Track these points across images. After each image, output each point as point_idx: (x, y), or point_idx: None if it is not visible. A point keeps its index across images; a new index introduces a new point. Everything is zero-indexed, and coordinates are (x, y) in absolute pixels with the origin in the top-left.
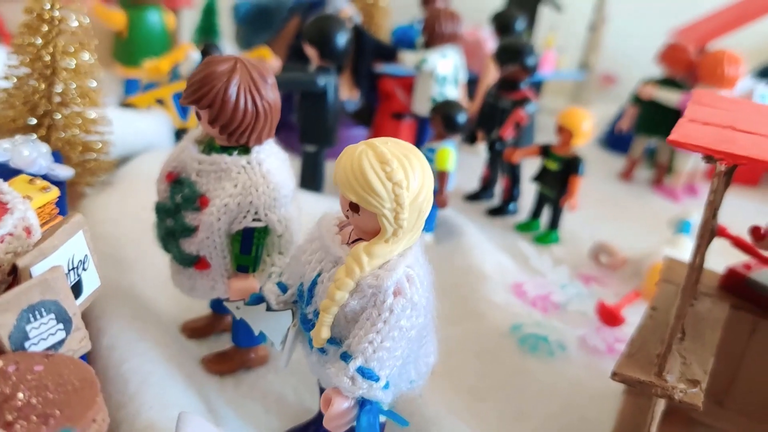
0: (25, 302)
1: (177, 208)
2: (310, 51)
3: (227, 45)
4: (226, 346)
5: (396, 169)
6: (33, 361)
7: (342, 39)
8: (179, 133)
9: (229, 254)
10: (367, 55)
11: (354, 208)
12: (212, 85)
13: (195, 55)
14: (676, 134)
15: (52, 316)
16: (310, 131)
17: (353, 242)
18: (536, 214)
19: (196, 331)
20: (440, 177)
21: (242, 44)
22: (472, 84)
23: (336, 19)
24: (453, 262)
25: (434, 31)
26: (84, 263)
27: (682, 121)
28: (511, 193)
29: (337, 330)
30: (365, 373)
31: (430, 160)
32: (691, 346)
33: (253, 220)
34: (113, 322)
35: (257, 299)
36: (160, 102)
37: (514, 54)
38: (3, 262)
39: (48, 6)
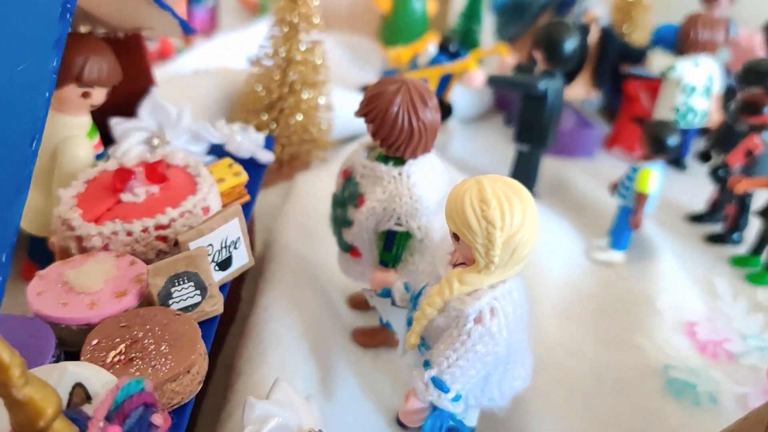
0: (173, 270)
1: (344, 201)
2: (537, 54)
3: (486, 34)
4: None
5: (493, 209)
6: (166, 316)
7: (569, 45)
8: None
9: (376, 249)
10: (611, 56)
11: (455, 236)
12: (378, 103)
13: (432, 48)
14: None
15: (192, 284)
16: (525, 131)
17: (456, 265)
18: (758, 250)
19: (358, 303)
20: (638, 198)
21: (497, 34)
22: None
23: (566, 26)
24: (629, 285)
25: (688, 38)
26: (236, 243)
27: None
28: (737, 222)
29: (428, 338)
30: (437, 383)
31: (631, 180)
32: None
33: (396, 224)
34: (276, 286)
35: (386, 293)
36: None
37: (759, 75)
38: (179, 233)
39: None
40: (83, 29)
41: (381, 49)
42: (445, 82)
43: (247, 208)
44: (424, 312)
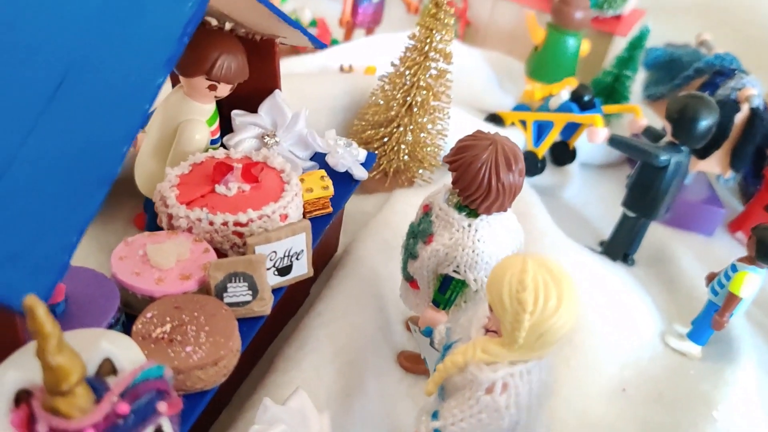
0: (232, 269)
1: (416, 234)
2: (667, 125)
3: (636, 85)
4: None
5: (528, 293)
6: (214, 307)
7: (703, 125)
8: (526, 155)
9: (432, 288)
10: (757, 138)
11: (490, 306)
12: (465, 155)
13: (565, 93)
14: None
15: (246, 284)
16: (636, 199)
17: (488, 331)
18: None
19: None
20: (728, 298)
21: (644, 90)
22: None
23: (705, 102)
24: (695, 382)
25: None
26: (299, 255)
27: None
28: None
29: (446, 389)
30: None
31: (728, 278)
32: None
33: (454, 271)
34: (337, 294)
35: (428, 332)
36: (522, 123)
37: None
38: (254, 234)
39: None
40: (228, 26)
41: (526, 79)
42: (575, 126)
43: (327, 218)
44: (446, 366)
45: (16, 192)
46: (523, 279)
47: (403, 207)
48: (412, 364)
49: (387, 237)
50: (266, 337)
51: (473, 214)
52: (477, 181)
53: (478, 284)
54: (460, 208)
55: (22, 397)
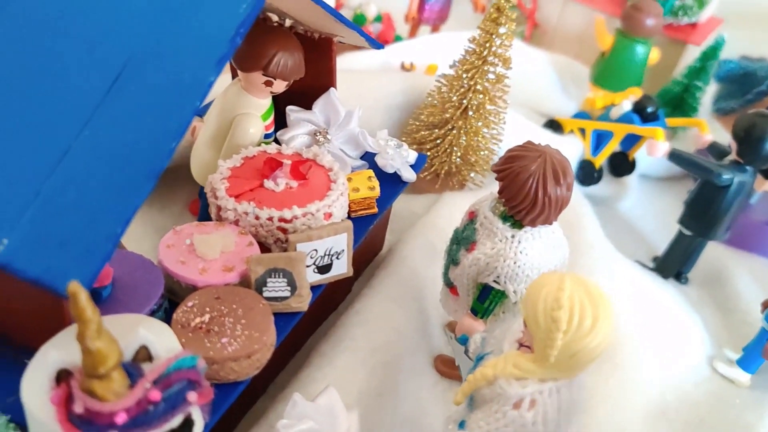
0: (272, 264)
1: (460, 240)
2: (733, 144)
3: (706, 97)
4: None
5: (563, 312)
6: (253, 301)
7: None
8: (583, 164)
9: (471, 295)
10: None
11: (525, 321)
12: (513, 165)
13: (627, 104)
14: None
15: (285, 280)
16: (693, 217)
17: (520, 346)
18: None
19: (452, 330)
20: None
21: (714, 103)
22: None
23: None
24: (740, 411)
25: None
26: (339, 255)
27: None
28: None
29: (474, 400)
30: None
31: None
32: None
33: (494, 281)
34: (376, 294)
35: (463, 340)
36: (582, 131)
37: None
38: (299, 232)
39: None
40: (288, 23)
41: (590, 86)
42: (635, 138)
43: (371, 219)
44: (475, 378)
45: (69, 181)
46: (559, 297)
47: (450, 210)
48: (449, 368)
49: (432, 239)
50: (305, 331)
51: (518, 225)
52: (523, 192)
53: (518, 296)
54: (504, 218)
55: (63, 377)
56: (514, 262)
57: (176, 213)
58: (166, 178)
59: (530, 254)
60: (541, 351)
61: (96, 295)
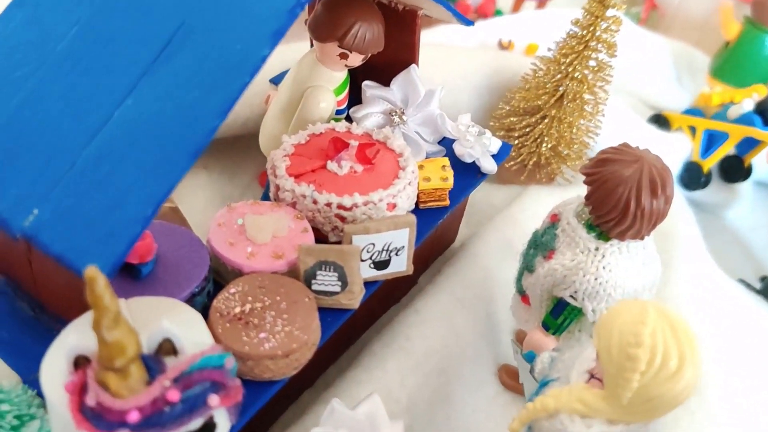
0: (323, 257)
1: (537, 245)
2: None
3: None
4: None
5: (643, 350)
6: (299, 295)
7: None
8: (689, 166)
9: (545, 308)
10: None
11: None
12: (605, 170)
13: (749, 103)
14: None
15: (336, 275)
16: None
17: (591, 378)
18: None
19: (521, 342)
20: None
21: None
22: None
23: None
24: None
25: None
26: (399, 251)
27: None
28: None
29: (533, 429)
30: None
31: None
32: None
33: (570, 296)
34: (439, 293)
35: (530, 357)
36: (692, 130)
37: None
38: (358, 221)
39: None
40: None
41: (707, 78)
42: (754, 142)
43: (441, 212)
44: (535, 407)
45: (104, 154)
46: (639, 332)
47: (534, 207)
48: (514, 381)
49: (510, 237)
50: (361, 325)
51: (604, 237)
52: (613, 201)
53: (596, 315)
54: (590, 227)
55: (81, 363)
56: (595, 278)
57: (245, 183)
58: (238, 146)
59: (614, 271)
60: (612, 389)
61: (135, 272)
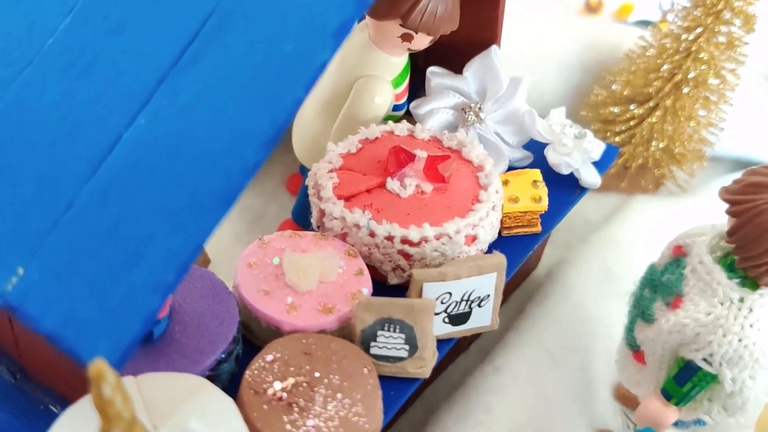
0: (387, 313)
1: (656, 286)
2: None
3: None
4: None
5: None
6: (355, 365)
7: None
8: None
9: (666, 371)
10: None
11: None
12: (754, 198)
13: None
14: None
15: (403, 336)
16: None
17: None
18: None
19: (627, 400)
20: None
21: None
22: None
23: None
24: None
25: None
26: (482, 301)
27: None
28: None
29: None
30: None
31: None
32: None
33: (703, 359)
34: (525, 346)
35: None
36: None
37: None
38: (428, 260)
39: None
40: None
41: None
42: None
43: (532, 240)
44: None
45: (110, 191)
46: None
47: (640, 221)
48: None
49: (610, 263)
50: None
51: (751, 284)
52: (767, 241)
53: (737, 387)
54: (731, 269)
55: None
56: (739, 339)
57: (269, 191)
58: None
59: (765, 329)
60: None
61: (146, 333)
